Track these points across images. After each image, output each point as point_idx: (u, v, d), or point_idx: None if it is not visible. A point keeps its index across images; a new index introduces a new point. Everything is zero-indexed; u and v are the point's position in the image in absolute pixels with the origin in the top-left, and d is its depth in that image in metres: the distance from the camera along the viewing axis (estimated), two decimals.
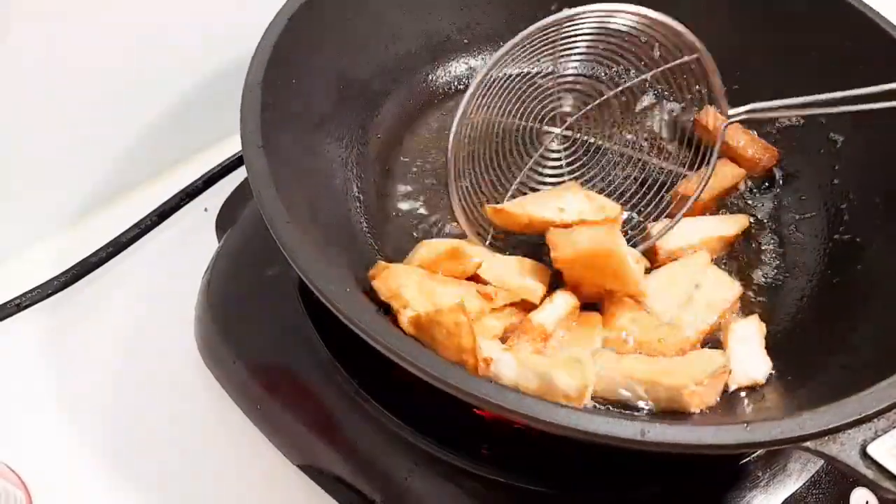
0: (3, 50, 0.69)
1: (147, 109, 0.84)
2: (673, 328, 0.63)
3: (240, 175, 0.87)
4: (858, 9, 0.72)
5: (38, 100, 0.74)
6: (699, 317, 0.64)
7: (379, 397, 0.63)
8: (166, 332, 0.75)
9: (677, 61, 0.68)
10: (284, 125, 0.62)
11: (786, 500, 0.61)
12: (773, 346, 0.63)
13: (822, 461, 0.62)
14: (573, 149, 0.73)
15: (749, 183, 0.77)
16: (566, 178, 0.72)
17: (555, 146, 0.73)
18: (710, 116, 0.78)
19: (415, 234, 0.72)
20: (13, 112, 0.73)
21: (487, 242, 0.68)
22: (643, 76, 0.71)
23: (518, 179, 0.71)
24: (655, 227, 0.70)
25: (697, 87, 0.70)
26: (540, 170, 0.72)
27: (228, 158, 0.88)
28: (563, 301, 0.62)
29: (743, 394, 0.60)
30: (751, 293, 0.69)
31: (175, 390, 0.73)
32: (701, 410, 0.56)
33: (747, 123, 0.78)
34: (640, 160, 0.75)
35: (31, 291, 0.77)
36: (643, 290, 0.63)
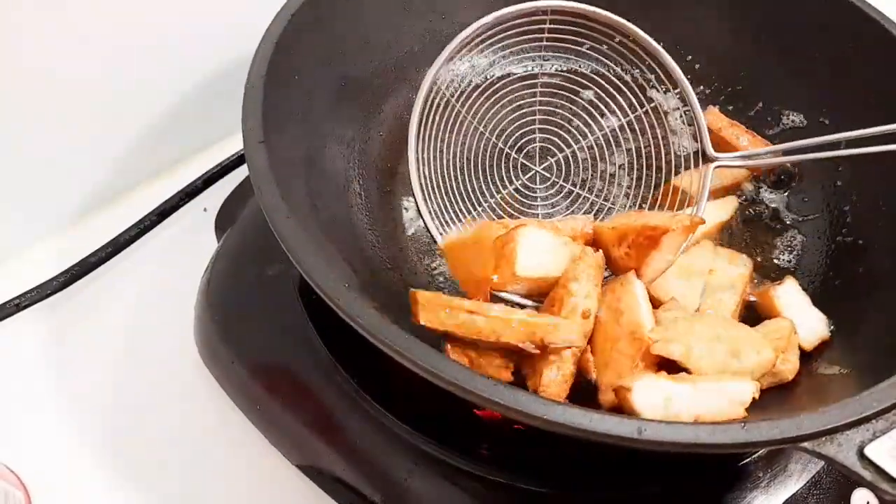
0: (4, 50, 0.69)
1: (147, 109, 0.84)
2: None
3: (239, 175, 0.87)
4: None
5: (38, 100, 0.74)
6: (725, 298, 0.63)
7: (379, 397, 0.63)
8: (166, 332, 0.75)
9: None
10: (286, 121, 0.62)
11: (786, 500, 0.60)
12: None
13: (823, 462, 0.62)
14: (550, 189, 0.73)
15: (751, 184, 0.77)
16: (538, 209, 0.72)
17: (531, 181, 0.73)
18: (713, 116, 0.78)
19: (415, 231, 0.72)
20: (13, 112, 0.73)
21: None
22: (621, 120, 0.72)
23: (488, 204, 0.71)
24: None
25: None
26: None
27: (228, 158, 0.88)
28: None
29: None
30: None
31: (175, 390, 0.73)
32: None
33: (748, 125, 0.78)
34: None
35: (31, 291, 0.77)
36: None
